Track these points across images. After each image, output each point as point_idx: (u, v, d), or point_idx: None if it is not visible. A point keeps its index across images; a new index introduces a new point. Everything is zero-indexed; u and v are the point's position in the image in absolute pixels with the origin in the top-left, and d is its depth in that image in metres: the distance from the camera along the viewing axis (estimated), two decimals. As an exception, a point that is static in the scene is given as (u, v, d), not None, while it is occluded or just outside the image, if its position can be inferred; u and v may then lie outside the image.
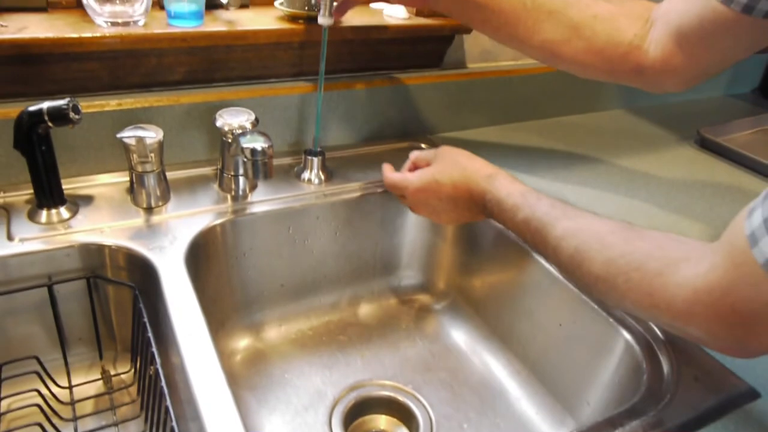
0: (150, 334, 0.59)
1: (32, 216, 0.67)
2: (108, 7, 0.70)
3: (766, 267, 0.36)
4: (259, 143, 0.60)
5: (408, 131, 0.96)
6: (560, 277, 0.70)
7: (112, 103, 0.73)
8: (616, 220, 0.54)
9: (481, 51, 1.01)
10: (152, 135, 0.65)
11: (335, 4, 0.71)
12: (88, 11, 0.70)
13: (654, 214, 0.83)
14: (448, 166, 0.69)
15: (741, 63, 1.36)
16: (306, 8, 0.79)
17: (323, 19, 0.71)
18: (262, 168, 0.60)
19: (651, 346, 0.60)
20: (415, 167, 0.74)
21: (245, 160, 0.60)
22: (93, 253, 0.66)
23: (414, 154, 0.75)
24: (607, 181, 0.90)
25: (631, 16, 0.67)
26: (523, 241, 0.62)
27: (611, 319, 0.64)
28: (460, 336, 0.84)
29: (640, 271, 0.47)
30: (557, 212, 0.57)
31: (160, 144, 0.68)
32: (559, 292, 0.70)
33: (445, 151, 0.71)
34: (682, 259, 0.45)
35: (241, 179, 0.74)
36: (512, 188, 0.63)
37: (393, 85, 0.90)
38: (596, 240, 0.52)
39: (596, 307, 0.65)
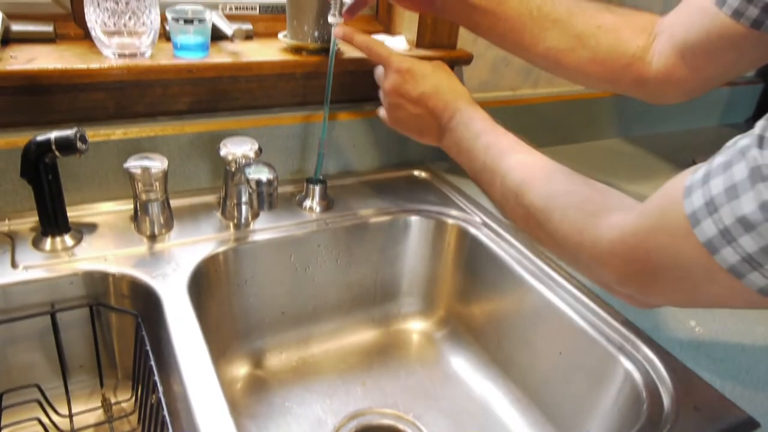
0: (152, 363, 0.60)
1: (37, 243, 0.68)
2: (116, 39, 0.71)
3: (692, 217, 0.37)
4: (264, 174, 0.61)
5: (409, 160, 0.97)
6: (559, 305, 0.70)
7: (117, 132, 0.74)
8: (564, 165, 0.56)
9: (479, 82, 1.03)
10: (157, 164, 0.66)
11: (346, 2, 0.72)
12: (96, 43, 0.72)
13: None
14: (442, 73, 0.70)
15: (735, 94, 1.39)
16: (309, 40, 0.81)
17: (333, 18, 0.72)
18: (267, 199, 0.61)
19: (650, 375, 0.60)
20: None
21: (250, 191, 0.61)
22: (96, 280, 0.66)
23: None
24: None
25: (635, 27, 0.68)
26: (469, 166, 0.64)
27: (611, 348, 0.64)
28: (460, 364, 0.84)
29: (578, 209, 0.49)
30: (519, 146, 0.60)
31: (165, 173, 0.69)
32: (559, 320, 0.70)
33: (444, 65, 0.72)
34: (617, 207, 0.47)
35: (244, 207, 0.75)
36: (486, 117, 0.66)
37: (393, 115, 0.91)
38: (545, 174, 0.55)
39: (596, 335, 0.66)
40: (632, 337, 0.64)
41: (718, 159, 0.36)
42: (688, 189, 0.38)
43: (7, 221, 0.71)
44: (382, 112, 0.74)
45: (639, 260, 0.43)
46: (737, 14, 0.56)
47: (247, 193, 0.68)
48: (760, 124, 0.34)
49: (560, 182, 0.53)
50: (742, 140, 0.35)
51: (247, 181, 0.61)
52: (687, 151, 1.17)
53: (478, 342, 0.84)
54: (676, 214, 0.38)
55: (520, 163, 0.57)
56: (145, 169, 0.66)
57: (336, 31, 0.73)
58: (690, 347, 0.64)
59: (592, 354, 0.66)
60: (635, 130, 1.25)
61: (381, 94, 0.73)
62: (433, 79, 0.69)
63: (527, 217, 0.54)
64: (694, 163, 1.11)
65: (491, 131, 0.63)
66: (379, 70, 0.73)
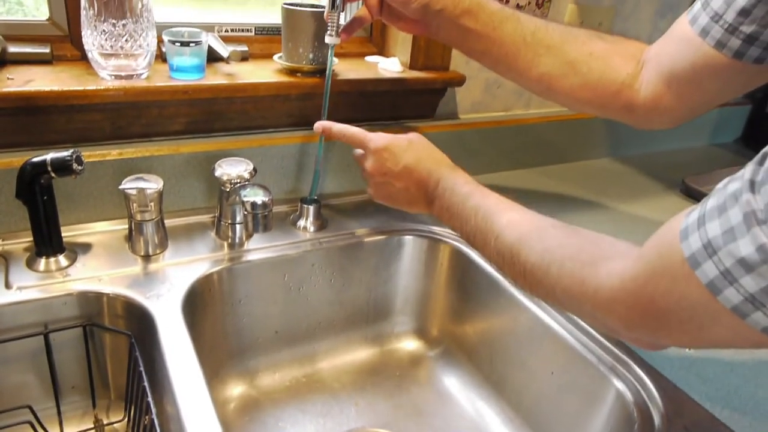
0: (146, 383, 0.60)
1: (31, 264, 0.68)
2: (113, 61, 0.72)
3: (691, 260, 0.37)
4: (259, 197, 0.61)
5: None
6: (552, 324, 0.71)
7: (113, 153, 0.74)
8: (554, 219, 0.57)
9: (472, 102, 1.04)
10: (152, 185, 0.67)
11: (342, 24, 0.73)
12: (93, 65, 0.73)
13: None
14: (419, 144, 0.71)
15: (724, 114, 1.41)
16: (304, 62, 0.82)
17: (330, 39, 0.73)
18: (261, 221, 0.61)
19: (641, 395, 0.61)
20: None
21: (245, 212, 0.62)
22: (90, 301, 0.67)
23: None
24: (595, 228, 0.92)
25: (624, 55, 0.69)
26: (462, 230, 0.64)
27: (602, 368, 0.65)
28: (453, 383, 0.84)
29: (574, 260, 0.50)
30: (506, 205, 0.61)
31: (160, 193, 0.69)
32: (551, 340, 0.71)
33: (420, 136, 0.73)
34: (613, 255, 0.47)
35: (238, 227, 0.75)
36: (469, 180, 0.66)
37: (387, 135, 0.93)
38: (537, 231, 0.55)
39: (587, 356, 0.66)
40: (624, 357, 0.65)
41: (711, 202, 0.37)
42: (684, 232, 0.38)
43: (1, 241, 0.71)
44: (370, 191, 0.75)
45: (642, 306, 0.43)
46: (720, 45, 0.58)
47: (242, 214, 0.69)
48: (749, 169, 0.35)
49: (553, 237, 0.54)
50: (733, 184, 0.36)
51: (243, 203, 0.62)
52: (677, 170, 1.18)
53: (471, 361, 0.84)
54: (675, 258, 0.39)
55: (511, 221, 0.58)
56: (141, 190, 0.66)
57: (315, 126, 0.75)
58: (681, 367, 0.64)
59: (583, 374, 0.67)
60: (625, 150, 1.27)
61: (364, 175, 0.74)
62: (412, 152, 0.70)
63: (525, 274, 0.55)
64: (683, 183, 1.13)
65: (477, 193, 0.63)
66: (357, 152, 0.74)
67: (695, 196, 1.08)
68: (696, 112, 0.68)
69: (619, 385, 0.63)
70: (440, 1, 0.68)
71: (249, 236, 0.77)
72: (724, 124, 1.44)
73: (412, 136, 0.72)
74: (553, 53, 0.70)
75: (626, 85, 0.68)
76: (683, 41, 0.62)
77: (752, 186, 0.34)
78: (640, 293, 0.43)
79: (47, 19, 0.78)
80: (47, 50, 0.76)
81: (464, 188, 0.65)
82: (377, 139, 0.71)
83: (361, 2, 0.75)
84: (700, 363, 0.66)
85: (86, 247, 0.73)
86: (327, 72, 0.76)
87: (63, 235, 0.70)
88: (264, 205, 0.61)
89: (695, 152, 1.37)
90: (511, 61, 0.71)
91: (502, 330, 0.79)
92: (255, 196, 0.61)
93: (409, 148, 0.70)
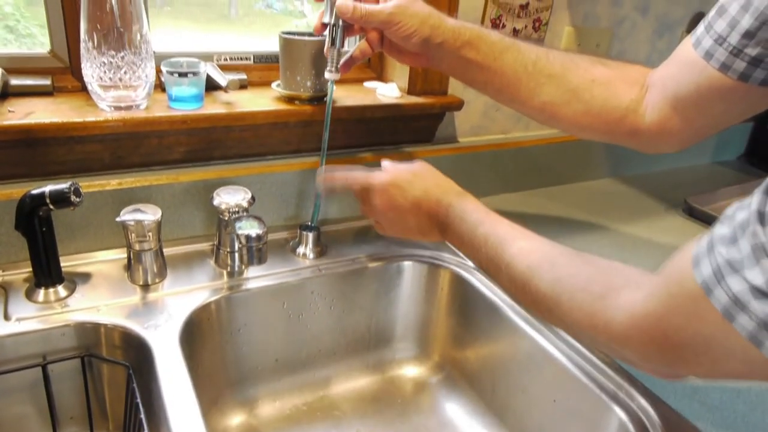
0: (143, 416, 0.59)
1: (30, 295, 0.68)
2: (112, 92, 0.73)
3: (704, 286, 0.37)
4: (254, 229, 0.61)
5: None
6: (553, 352, 0.70)
7: (112, 183, 0.75)
8: (568, 247, 0.56)
9: (471, 126, 1.04)
10: (150, 217, 0.67)
11: (342, 60, 0.74)
12: (93, 96, 0.73)
13: None
14: (424, 174, 0.70)
15: (727, 131, 1.40)
16: (302, 90, 0.82)
17: (330, 74, 0.74)
18: (256, 254, 0.61)
19: (644, 424, 0.60)
20: None
21: (240, 245, 0.62)
22: (88, 331, 0.66)
23: (389, 162, 0.74)
24: (597, 249, 0.90)
25: (627, 80, 0.69)
26: (474, 257, 0.64)
27: (604, 396, 0.64)
28: (455, 410, 0.83)
29: (585, 292, 0.49)
30: (516, 233, 0.60)
31: (158, 223, 0.69)
32: (553, 367, 0.70)
33: (424, 164, 0.72)
34: (623, 285, 0.47)
35: (237, 255, 0.75)
36: (479, 206, 0.66)
37: (386, 160, 0.93)
38: (547, 260, 0.55)
39: (589, 384, 0.65)
40: (626, 385, 0.64)
41: (720, 230, 0.37)
42: (696, 258, 0.38)
43: (1, 272, 0.71)
44: (379, 226, 0.75)
45: (657, 341, 0.43)
46: (725, 67, 0.58)
47: (238, 249, 0.68)
48: (756, 198, 0.34)
49: (563, 266, 0.53)
50: (740, 213, 0.35)
51: (237, 236, 0.62)
52: (679, 189, 1.18)
53: (473, 388, 0.84)
54: (688, 285, 0.38)
55: (521, 250, 0.57)
56: (138, 222, 0.66)
57: (317, 180, 0.76)
58: (684, 395, 0.63)
59: (586, 402, 0.66)
60: (626, 170, 1.26)
61: (366, 211, 0.74)
62: (419, 183, 0.70)
63: (537, 304, 0.54)
64: (686, 203, 1.12)
65: (487, 221, 0.63)
66: (358, 193, 0.74)
67: (698, 216, 1.08)
68: (702, 135, 0.68)
69: (621, 414, 0.62)
70: (440, 35, 0.69)
71: (248, 265, 0.77)
72: (726, 142, 1.43)
73: (416, 166, 0.72)
74: (554, 81, 0.70)
75: (630, 110, 0.68)
76: (687, 64, 0.62)
77: (761, 217, 0.34)
78: (653, 328, 0.42)
79: (48, 52, 0.79)
80: (48, 82, 0.77)
81: (473, 216, 0.64)
82: (381, 174, 0.71)
83: (360, 36, 0.76)
84: (705, 390, 0.65)
85: (86, 277, 0.73)
86: (327, 107, 0.76)
87: (63, 265, 0.70)
88: (258, 237, 0.61)
89: (698, 170, 1.36)
90: (513, 90, 0.71)
91: (503, 356, 0.78)
92: (249, 228, 0.61)
93: (415, 179, 0.70)
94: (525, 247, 0.58)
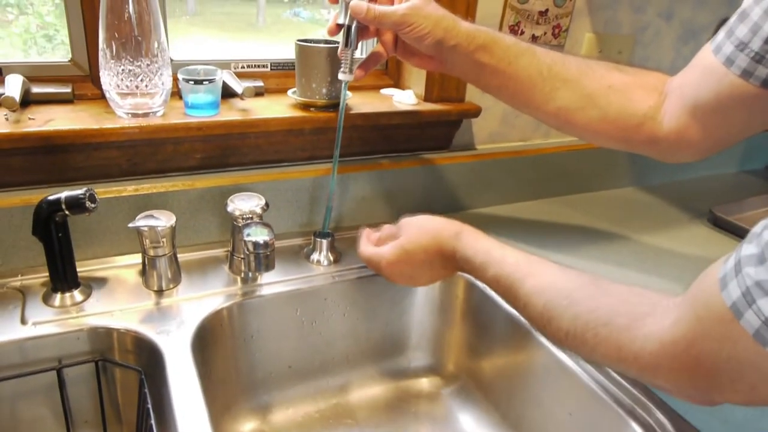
0: (153, 422, 0.59)
1: (46, 299, 0.69)
2: (129, 100, 0.74)
3: (733, 308, 0.36)
4: (260, 236, 0.61)
5: (416, 213, 0.97)
6: (569, 364, 0.68)
7: (129, 189, 0.76)
8: (579, 272, 0.54)
9: (489, 133, 1.03)
10: (163, 223, 0.67)
11: (356, 61, 0.73)
12: (111, 103, 0.74)
13: (662, 284, 0.81)
14: (414, 234, 0.69)
15: (755, 139, 1.37)
16: (317, 97, 0.83)
17: (343, 76, 0.73)
18: (264, 261, 0.61)
19: (662, 440, 0.58)
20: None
21: (247, 252, 0.61)
22: (102, 336, 0.67)
23: (375, 235, 0.74)
24: (619, 260, 0.90)
25: (645, 87, 0.68)
26: (496, 292, 0.63)
27: (621, 411, 0.62)
28: (469, 422, 0.82)
29: (608, 326, 0.47)
30: (523, 269, 0.58)
31: (172, 229, 0.70)
32: (569, 379, 0.68)
33: (408, 221, 0.71)
34: (647, 313, 0.45)
35: (245, 262, 0.75)
36: (478, 246, 0.64)
37: (402, 168, 0.92)
38: (563, 297, 0.53)
39: (605, 397, 0.64)
40: (643, 399, 0.62)
41: (748, 250, 0.36)
42: (723, 280, 0.37)
43: (20, 276, 0.72)
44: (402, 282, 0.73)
45: (689, 369, 0.41)
46: (746, 74, 0.56)
47: (246, 256, 0.68)
48: None
49: (581, 302, 0.51)
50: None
51: (245, 243, 0.61)
52: (704, 199, 1.15)
53: (488, 399, 0.82)
54: (716, 308, 0.37)
55: (534, 289, 0.56)
56: (152, 228, 0.67)
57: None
58: (704, 410, 0.61)
59: (602, 416, 0.64)
60: (650, 179, 1.24)
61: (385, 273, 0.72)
62: (422, 236, 0.68)
63: (563, 342, 0.53)
64: (711, 213, 1.09)
65: (492, 262, 0.61)
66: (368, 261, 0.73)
67: (723, 226, 1.05)
68: (722, 144, 0.66)
69: (638, 429, 0.60)
70: (454, 37, 0.68)
71: (255, 271, 0.77)
72: (753, 150, 1.40)
73: (404, 233, 0.70)
74: (570, 87, 0.69)
75: (648, 118, 0.67)
76: (707, 71, 0.60)
77: None
78: (683, 355, 0.41)
79: (69, 60, 0.80)
80: (68, 90, 0.78)
81: (477, 259, 0.63)
82: (386, 253, 0.69)
83: (375, 39, 0.76)
84: (728, 405, 0.62)
85: (102, 282, 0.74)
86: (340, 109, 0.76)
87: (79, 269, 0.71)
88: (265, 244, 0.61)
89: (723, 180, 1.33)
90: (527, 95, 0.70)
91: (518, 367, 0.77)
92: (257, 235, 0.61)
93: (409, 247, 0.68)
94: (536, 286, 0.56)
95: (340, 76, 0.74)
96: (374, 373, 0.87)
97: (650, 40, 1.13)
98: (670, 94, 0.66)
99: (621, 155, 1.17)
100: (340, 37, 0.73)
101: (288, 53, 0.93)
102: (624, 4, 1.05)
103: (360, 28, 0.71)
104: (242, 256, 0.75)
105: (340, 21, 0.71)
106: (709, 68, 0.60)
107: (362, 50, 0.84)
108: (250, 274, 0.76)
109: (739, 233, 1.02)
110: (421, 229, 0.69)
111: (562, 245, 0.92)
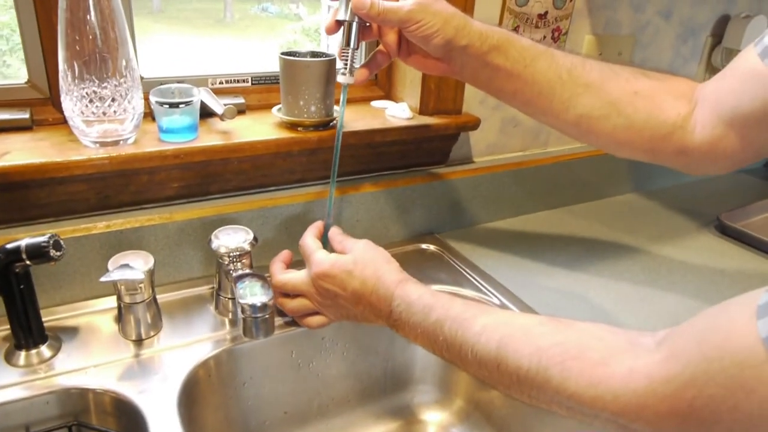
0: (136, 500, 0.52)
1: (9, 358, 0.61)
2: (96, 127, 0.65)
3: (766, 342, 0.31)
4: (258, 297, 0.53)
5: (415, 232, 0.91)
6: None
7: (99, 225, 0.68)
8: (538, 314, 0.49)
9: (487, 144, 0.97)
10: (139, 273, 0.59)
11: (356, 62, 0.65)
12: (75, 132, 0.66)
13: (678, 301, 0.79)
14: (363, 263, 0.62)
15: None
16: (305, 116, 0.75)
17: (343, 78, 0.65)
18: (262, 326, 0.53)
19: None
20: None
21: (242, 316, 0.53)
22: (75, 397, 0.59)
23: (333, 231, 0.68)
24: (631, 277, 0.85)
25: (674, 94, 0.62)
26: (432, 348, 0.56)
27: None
28: (482, 462, 0.76)
29: (579, 359, 0.42)
30: (474, 310, 0.53)
31: (150, 273, 0.62)
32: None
33: (367, 245, 0.64)
34: (625, 349, 0.41)
35: (240, 325, 0.67)
36: (423, 290, 0.58)
37: (399, 187, 0.86)
38: (522, 332, 0.48)
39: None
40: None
41: None
42: (760, 311, 0.32)
43: (-22, 331, 0.64)
44: (325, 313, 0.66)
45: (679, 410, 0.36)
46: None
47: (241, 321, 0.59)
48: None
49: (542, 336, 0.46)
50: None
51: (239, 305, 0.53)
52: (708, 203, 1.11)
53: (502, 437, 0.76)
54: (736, 351, 0.32)
55: (486, 328, 0.50)
56: (127, 280, 0.59)
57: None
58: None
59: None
60: (651, 184, 1.19)
61: (312, 303, 0.66)
62: (358, 274, 0.61)
63: (520, 384, 0.47)
64: (718, 220, 1.05)
65: (437, 306, 0.55)
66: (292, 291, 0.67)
67: (731, 234, 1.00)
68: (761, 155, 0.61)
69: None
70: (465, 36, 0.61)
71: (253, 338, 0.69)
72: (751, 149, 1.36)
73: (357, 254, 0.63)
74: (592, 92, 0.62)
75: (678, 127, 0.61)
76: (752, 78, 0.55)
77: None
78: (674, 398, 0.36)
79: (26, 82, 0.72)
80: (26, 116, 0.70)
81: (420, 303, 0.56)
82: (320, 262, 0.63)
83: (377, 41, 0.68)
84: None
85: (72, 333, 0.66)
86: (339, 119, 0.67)
87: (46, 319, 0.63)
88: (263, 307, 0.53)
89: (723, 180, 1.28)
90: (545, 102, 0.64)
91: (535, 403, 0.71)
92: (254, 296, 0.53)
93: (354, 270, 0.61)
94: (490, 323, 0.50)
95: (340, 79, 0.66)
96: (377, 412, 0.81)
97: (650, 40, 1.07)
98: (702, 102, 0.61)
99: (621, 161, 1.12)
100: (337, 37, 0.65)
101: (270, 65, 0.85)
102: (624, 3, 1.00)
103: (361, 26, 0.64)
104: (230, 296, 0.68)
105: (340, 17, 0.63)
106: (754, 75, 0.55)
107: (360, 55, 0.76)
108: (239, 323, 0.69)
109: (747, 241, 0.98)
110: (374, 261, 0.62)
111: (573, 262, 0.87)
